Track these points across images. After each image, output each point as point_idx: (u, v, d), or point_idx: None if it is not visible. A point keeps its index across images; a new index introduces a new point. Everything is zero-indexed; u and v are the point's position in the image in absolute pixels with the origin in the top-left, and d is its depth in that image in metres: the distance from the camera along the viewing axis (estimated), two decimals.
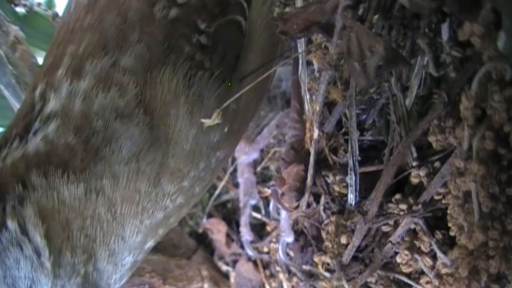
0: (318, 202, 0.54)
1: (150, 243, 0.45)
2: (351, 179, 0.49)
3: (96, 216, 0.38)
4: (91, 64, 0.38)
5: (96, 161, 0.37)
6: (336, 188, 0.51)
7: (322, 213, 0.53)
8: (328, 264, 0.52)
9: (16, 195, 0.36)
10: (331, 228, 0.50)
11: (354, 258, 0.50)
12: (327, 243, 0.51)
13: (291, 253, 0.61)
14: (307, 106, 0.55)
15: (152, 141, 0.39)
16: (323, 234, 0.53)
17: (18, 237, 0.36)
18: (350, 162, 0.48)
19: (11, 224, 0.36)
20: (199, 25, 0.43)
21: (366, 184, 0.50)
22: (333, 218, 0.51)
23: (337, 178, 0.51)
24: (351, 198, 0.49)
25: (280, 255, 0.62)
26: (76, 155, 0.36)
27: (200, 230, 0.76)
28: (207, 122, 0.40)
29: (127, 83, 0.38)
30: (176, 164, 0.42)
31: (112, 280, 0.42)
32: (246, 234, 0.69)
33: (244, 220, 0.69)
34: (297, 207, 0.53)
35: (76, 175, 0.36)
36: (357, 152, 0.48)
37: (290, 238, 0.60)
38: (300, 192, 0.52)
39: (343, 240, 0.49)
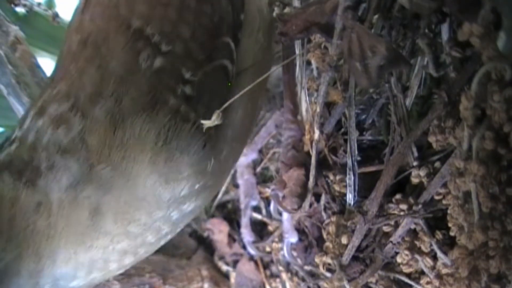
0: (319, 201, 0.54)
1: (83, 278, 0.43)
2: (350, 179, 0.49)
3: (37, 227, 0.40)
4: (53, 108, 0.41)
5: (41, 179, 0.40)
6: (337, 187, 0.51)
7: (323, 213, 0.53)
8: (329, 264, 0.52)
9: None
10: (331, 228, 0.50)
11: (355, 258, 0.50)
12: (327, 243, 0.51)
13: (294, 254, 0.61)
14: (306, 107, 0.55)
15: (91, 177, 0.40)
16: (324, 234, 0.53)
17: None
18: (349, 162, 0.48)
19: None
20: (184, 74, 0.42)
21: (366, 184, 0.50)
22: (333, 218, 0.51)
23: (337, 178, 0.51)
24: (350, 198, 0.49)
25: (285, 255, 0.62)
26: (27, 169, 0.40)
27: (202, 231, 0.76)
28: (206, 123, 0.40)
29: (74, 123, 0.40)
30: (122, 206, 0.41)
31: None
32: (247, 235, 0.69)
33: (245, 221, 0.69)
34: (299, 208, 0.53)
35: (27, 185, 0.40)
36: (356, 152, 0.48)
37: (294, 238, 0.60)
38: (301, 197, 0.52)
39: (344, 240, 0.49)
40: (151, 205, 0.42)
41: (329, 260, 0.50)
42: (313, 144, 0.51)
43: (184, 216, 0.46)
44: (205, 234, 0.76)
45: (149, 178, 0.40)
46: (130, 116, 0.40)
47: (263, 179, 0.70)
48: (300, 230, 0.60)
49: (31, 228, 0.40)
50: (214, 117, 0.39)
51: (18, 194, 0.40)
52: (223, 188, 0.74)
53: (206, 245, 0.76)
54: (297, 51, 0.52)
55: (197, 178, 0.43)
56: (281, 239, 0.64)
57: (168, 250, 0.72)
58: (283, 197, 0.53)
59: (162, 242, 0.47)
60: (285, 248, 0.61)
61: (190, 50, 0.43)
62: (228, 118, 0.45)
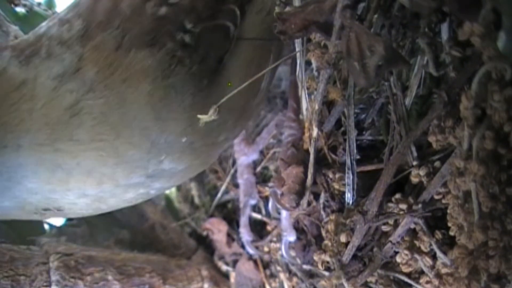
0: (318, 200, 0.54)
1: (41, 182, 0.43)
2: (348, 178, 0.49)
3: (19, 108, 0.41)
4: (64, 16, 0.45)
5: (36, 62, 0.42)
6: (336, 186, 0.51)
7: (322, 211, 0.53)
8: (327, 262, 0.52)
9: None
10: (330, 226, 0.50)
11: (354, 256, 0.50)
12: (326, 242, 0.51)
13: (293, 253, 0.61)
14: (305, 105, 0.55)
15: (77, 69, 0.42)
16: (323, 233, 0.53)
17: None
18: (348, 161, 0.48)
19: None
20: (186, 24, 0.44)
21: (365, 183, 0.50)
22: (332, 217, 0.51)
23: (337, 176, 0.51)
24: (349, 197, 0.49)
25: (283, 254, 0.62)
26: (27, 49, 0.43)
27: (201, 231, 0.76)
28: (203, 117, 0.40)
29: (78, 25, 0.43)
30: (103, 125, 0.42)
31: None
32: (246, 234, 0.69)
33: (244, 220, 0.69)
34: (298, 205, 0.53)
35: (22, 63, 0.42)
36: (355, 151, 0.48)
37: (292, 237, 0.60)
38: (299, 194, 0.52)
39: (343, 238, 0.49)
40: (132, 140, 0.43)
41: (327, 258, 0.51)
42: (312, 141, 0.51)
43: (160, 176, 0.46)
44: (205, 233, 0.76)
45: (143, 108, 0.42)
46: (134, 46, 0.42)
47: (263, 178, 0.70)
48: (298, 229, 0.60)
49: (12, 106, 0.41)
50: (211, 111, 0.40)
51: (8, 67, 0.42)
52: (223, 188, 0.74)
53: (206, 245, 0.76)
54: (297, 50, 0.52)
55: (186, 128, 0.44)
56: (279, 238, 0.64)
57: (168, 250, 0.72)
58: (282, 194, 0.53)
59: (129, 195, 0.47)
60: (283, 247, 0.61)
61: (196, 6, 0.45)
62: (226, 74, 0.46)
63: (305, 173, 0.52)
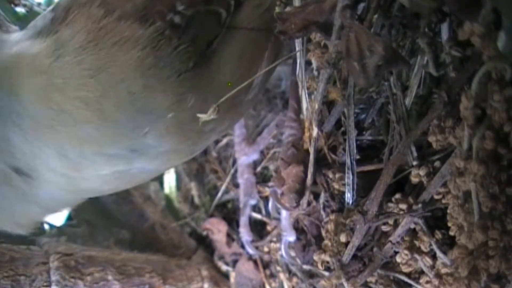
0: (318, 200, 0.54)
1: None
2: (348, 178, 0.49)
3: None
4: None
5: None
6: (336, 185, 0.51)
7: (322, 211, 0.53)
8: (327, 262, 0.52)
9: None
10: (330, 226, 0.50)
11: (353, 256, 0.50)
12: (326, 241, 0.51)
13: (292, 253, 0.61)
14: (305, 105, 0.55)
15: (67, 23, 0.43)
16: (323, 233, 0.53)
17: None
18: (348, 161, 0.48)
19: None
20: (177, 6, 0.45)
21: (365, 183, 0.50)
22: (332, 216, 0.51)
23: (336, 176, 0.51)
24: (348, 197, 0.49)
25: (283, 254, 0.62)
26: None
27: (201, 231, 0.76)
28: (203, 116, 0.40)
29: None
30: (88, 78, 0.42)
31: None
32: (245, 234, 0.69)
33: (243, 220, 0.69)
34: (297, 205, 0.53)
35: None
36: (355, 151, 0.48)
37: (292, 237, 0.60)
38: (299, 194, 0.52)
39: (343, 238, 0.49)
40: (118, 103, 0.43)
41: (327, 258, 0.50)
42: (312, 141, 0.51)
43: (143, 153, 0.46)
44: (204, 233, 0.76)
45: (132, 72, 0.42)
46: (124, 19, 0.43)
47: (263, 178, 0.70)
48: (298, 229, 0.60)
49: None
50: (210, 110, 0.40)
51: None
52: (223, 187, 0.74)
53: (206, 245, 0.76)
54: (297, 49, 0.53)
55: (173, 104, 0.44)
56: (279, 238, 0.64)
57: (168, 250, 0.72)
58: (282, 194, 0.53)
59: (107, 171, 0.47)
60: (282, 247, 0.61)
61: None
62: (216, 60, 0.47)
63: (305, 172, 0.52)
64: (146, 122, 0.44)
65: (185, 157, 0.53)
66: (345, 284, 0.49)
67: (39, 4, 0.64)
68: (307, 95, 0.54)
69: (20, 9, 0.63)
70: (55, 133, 0.43)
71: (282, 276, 0.65)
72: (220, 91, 0.45)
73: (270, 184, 0.62)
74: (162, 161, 0.49)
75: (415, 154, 0.46)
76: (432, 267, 0.46)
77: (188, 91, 0.44)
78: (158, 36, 0.43)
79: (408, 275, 0.49)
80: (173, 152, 0.49)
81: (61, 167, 0.45)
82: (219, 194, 0.75)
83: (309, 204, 0.54)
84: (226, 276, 0.73)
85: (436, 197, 0.45)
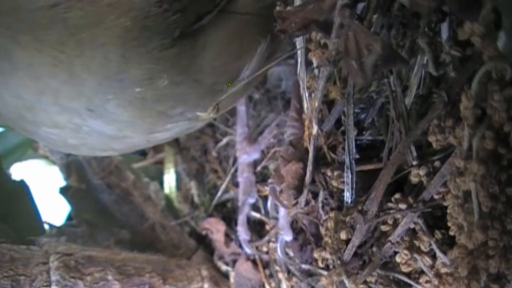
0: (316, 199, 0.54)
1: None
2: (347, 177, 0.49)
3: None
4: None
5: None
6: (335, 183, 0.51)
7: (321, 210, 0.53)
8: (327, 260, 0.52)
9: None
10: (330, 224, 0.50)
11: (354, 254, 0.50)
12: (326, 239, 0.51)
13: (290, 252, 0.61)
14: (306, 104, 0.55)
15: None
16: (322, 231, 0.53)
17: None
18: (347, 160, 0.48)
19: None
20: None
21: (364, 183, 0.50)
22: (332, 214, 0.51)
23: (335, 174, 0.51)
24: (348, 196, 0.49)
25: (279, 253, 0.62)
26: None
27: (201, 230, 0.76)
28: (203, 115, 0.40)
29: None
30: (67, 38, 0.42)
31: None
32: (243, 233, 0.68)
33: (241, 219, 0.69)
34: (296, 203, 0.53)
35: None
36: (354, 150, 0.48)
37: (288, 237, 0.60)
38: (298, 190, 0.52)
39: (343, 235, 0.49)
40: (90, 65, 0.42)
41: (328, 256, 0.50)
42: (311, 139, 0.51)
43: (99, 116, 0.46)
44: (204, 233, 0.76)
45: (114, 40, 0.42)
46: None
47: (263, 178, 0.70)
48: (296, 228, 0.60)
49: None
50: (210, 109, 0.40)
51: None
52: (223, 187, 0.74)
53: (206, 245, 0.76)
54: (297, 48, 0.53)
55: (144, 80, 0.44)
56: (277, 238, 0.64)
57: (168, 250, 0.72)
58: (281, 191, 0.53)
59: (61, 121, 0.46)
60: (278, 246, 0.61)
61: None
62: (203, 39, 0.46)
63: (304, 170, 0.52)
64: (111, 90, 0.44)
65: (141, 134, 0.51)
66: (346, 281, 0.49)
67: None
68: (307, 94, 0.54)
69: None
70: (17, 79, 0.43)
71: (280, 275, 0.64)
72: (197, 75, 0.44)
73: (270, 181, 0.62)
74: (116, 128, 0.48)
75: (415, 153, 0.46)
76: (432, 267, 0.46)
77: (164, 71, 0.44)
78: (153, 3, 0.42)
79: (407, 275, 0.49)
80: (129, 125, 0.48)
81: (15, 105, 0.45)
82: (219, 194, 0.75)
83: (307, 203, 0.54)
84: (226, 276, 0.73)
85: (436, 197, 0.45)
